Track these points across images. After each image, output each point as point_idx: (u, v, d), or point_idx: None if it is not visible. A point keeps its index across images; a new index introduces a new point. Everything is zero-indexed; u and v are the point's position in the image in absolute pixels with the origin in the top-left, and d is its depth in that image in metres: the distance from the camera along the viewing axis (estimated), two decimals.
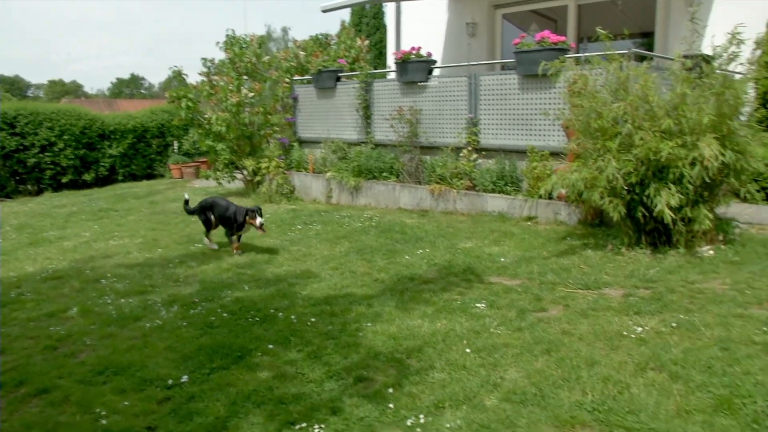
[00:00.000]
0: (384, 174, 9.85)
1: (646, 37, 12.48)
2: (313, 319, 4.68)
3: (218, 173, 12.25)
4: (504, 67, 11.60)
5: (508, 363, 3.76)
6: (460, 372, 3.67)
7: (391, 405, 3.32)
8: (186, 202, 7.97)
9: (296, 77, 12.45)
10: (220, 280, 5.94)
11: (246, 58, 12.37)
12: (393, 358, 3.93)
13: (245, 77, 12.37)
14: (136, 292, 5.69)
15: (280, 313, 4.85)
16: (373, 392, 3.48)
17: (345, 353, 4.03)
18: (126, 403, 3.49)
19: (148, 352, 4.21)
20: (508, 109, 8.58)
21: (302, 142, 12.05)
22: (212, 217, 7.36)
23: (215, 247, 7.40)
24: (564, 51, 7.83)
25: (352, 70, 11.91)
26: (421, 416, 3.19)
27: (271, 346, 4.19)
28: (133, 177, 16.80)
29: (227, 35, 12.75)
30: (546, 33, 8.04)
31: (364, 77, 10.73)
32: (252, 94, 11.78)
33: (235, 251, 7.07)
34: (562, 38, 8.00)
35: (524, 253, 6.23)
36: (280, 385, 3.63)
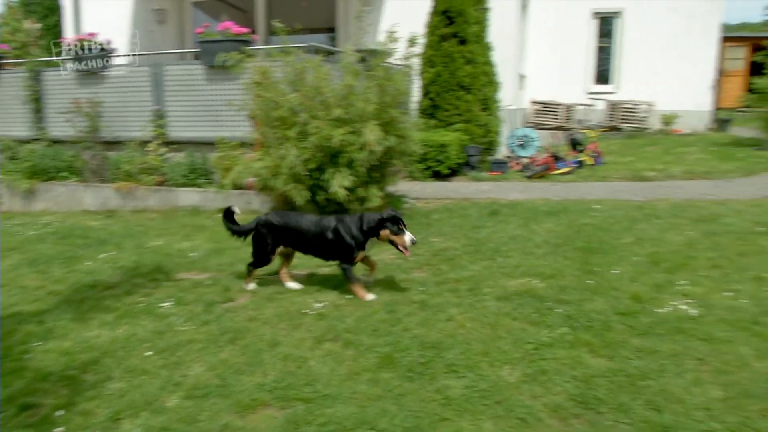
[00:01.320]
0: (63, 173, 8.89)
1: (332, 32, 13.38)
2: None
3: None
4: (196, 57, 11.32)
5: (192, 359, 3.72)
6: (140, 377, 3.52)
7: (60, 428, 3.05)
8: (231, 214, 5.01)
9: None
10: None
11: None
12: (65, 375, 3.60)
13: None
14: None
15: None
16: (40, 419, 3.15)
17: (7, 381, 3.56)
18: None
19: None
20: (196, 100, 8.43)
21: None
22: (275, 246, 4.81)
23: (252, 287, 4.93)
24: (247, 42, 7.94)
25: (19, 57, 10.48)
26: None
27: None
28: None
29: None
30: (228, 24, 8.05)
31: (33, 66, 9.53)
32: None
33: (362, 294, 4.51)
34: (245, 30, 8.10)
35: (216, 246, 6.21)
36: None
